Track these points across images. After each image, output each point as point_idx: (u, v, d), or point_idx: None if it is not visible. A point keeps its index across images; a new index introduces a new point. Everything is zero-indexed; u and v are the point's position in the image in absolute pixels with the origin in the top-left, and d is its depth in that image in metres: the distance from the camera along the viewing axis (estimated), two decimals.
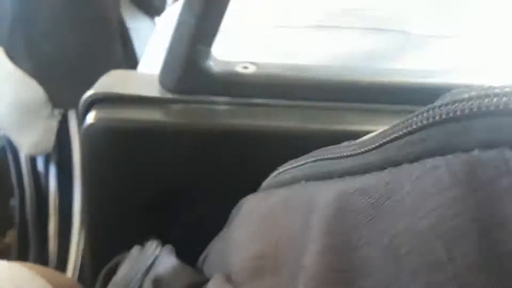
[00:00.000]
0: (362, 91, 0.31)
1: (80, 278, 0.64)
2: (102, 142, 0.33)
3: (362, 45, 0.35)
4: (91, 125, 0.32)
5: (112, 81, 0.36)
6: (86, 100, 0.34)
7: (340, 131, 0.29)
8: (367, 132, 0.19)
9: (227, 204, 0.26)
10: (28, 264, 0.32)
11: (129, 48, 0.66)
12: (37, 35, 0.60)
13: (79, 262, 0.66)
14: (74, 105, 0.60)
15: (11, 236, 0.78)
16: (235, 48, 0.39)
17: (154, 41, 0.48)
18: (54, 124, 0.62)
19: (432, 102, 0.28)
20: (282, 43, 0.38)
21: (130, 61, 0.66)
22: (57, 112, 0.62)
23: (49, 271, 0.33)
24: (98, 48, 0.63)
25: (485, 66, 0.37)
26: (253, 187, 0.25)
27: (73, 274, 0.64)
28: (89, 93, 0.34)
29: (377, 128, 0.20)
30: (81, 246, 0.66)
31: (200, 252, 0.28)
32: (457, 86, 0.30)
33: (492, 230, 0.09)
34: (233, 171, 0.32)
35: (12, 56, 0.61)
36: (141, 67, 0.61)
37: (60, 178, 0.65)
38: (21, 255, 0.70)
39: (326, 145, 0.19)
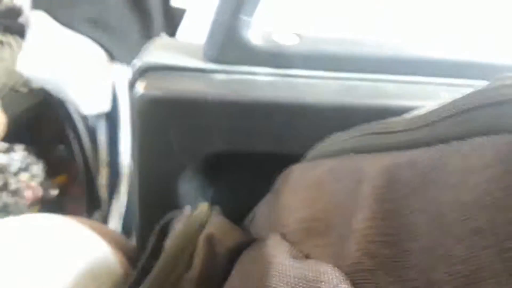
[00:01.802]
0: (404, 64, 0.32)
1: (124, 226, 0.70)
2: (150, 110, 0.35)
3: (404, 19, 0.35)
4: (140, 94, 0.34)
5: (158, 51, 0.38)
6: (134, 70, 0.35)
7: (381, 105, 0.30)
8: (407, 107, 0.20)
9: (269, 172, 0.28)
10: (77, 217, 0.35)
11: None
12: None
13: (123, 210, 0.71)
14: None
15: (59, 181, 0.85)
16: (277, 18, 0.39)
17: (193, 10, 0.49)
18: (110, 81, 0.66)
19: (473, 77, 0.29)
20: (324, 14, 0.38)
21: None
22: (113, 69, 0.65)
23: (98, 224, 0.36)
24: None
25: None
26: (294, 157, 0.27)
27: (119, 220, 0.70)
28: (137, 63, 0.36)
29: (418, 103, 0.21)
30: (126, 197, 0.71)
31: (242, 215, 0.31)
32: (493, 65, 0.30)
33: None
34: (275, 141, 0.34)
35: (63, 21, 0.64)
36: (180, 35, 0.63)
37: (108, 132, 0.70)
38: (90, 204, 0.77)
39: (366, 119, 0.20)
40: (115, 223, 0.70)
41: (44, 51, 0.67)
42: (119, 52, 0.65)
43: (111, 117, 0.68)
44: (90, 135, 0.72)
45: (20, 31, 0.72)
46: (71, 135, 0.75)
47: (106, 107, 0.67)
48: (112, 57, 0.66)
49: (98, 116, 0.69)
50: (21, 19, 0.74)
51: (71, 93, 0.67)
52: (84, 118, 0.71)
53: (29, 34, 0.68)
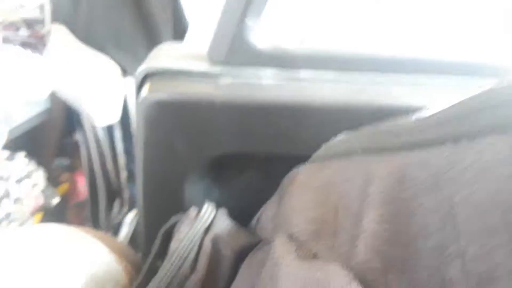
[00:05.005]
0: (410, 63, 0.31)
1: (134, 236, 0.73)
2: (155, 113, 0.35)
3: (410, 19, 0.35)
4: (145, 98, 0.34)
5: (164, 55, 0.38)
6: (140, 74, 0.35)
7: (388, 105, 0.30)
8: (415, 108, 0.20)
9: (275, 173, 0.28)
10: (84, 227, 0.35)
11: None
12: (99, 11, 0.68)
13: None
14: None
15: (62, 190, 0.87)
16: (282, 20, 0.39)
17: (200, 14, 0.49)
18: (123, 94, 0.71)
19: (478, 76, 0.28)
20: (330, 15, 0.38)
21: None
22: (125, 83, 0.71)
23: (102, 234, 0.36)
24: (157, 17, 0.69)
25: None
26: (300, 159, 0.27)
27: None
28: (143, 67, 0.36)
29: (426, 103, 0.21)
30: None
31: (249, 216, 0.30)
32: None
33: None
34: (281, 142, 0.34)
35: (80, 36, 0.70)
36: (188, 40, 0.63)
37: (124, 139, 0.77)
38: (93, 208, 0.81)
39: (373, 120, 0.20)
40: (126, 231, 0.74)
41: (62, 63, 0.72)
42: (131, 66, 0.69)
43: (124, 127, 0.74)
44: (109, 144, 0.77)
45: (40, 42, 0.76)
46: (82, 145, 0.79)
47: (115, 119, 0.72)
48: (125, 71, 0.70)
49: (114, 126, 0.74)
50: (42, 31, 0.78)
51: (85, 105, 0.72)
52: (94, 129, 0.76)
53: (49, 46, 0.72)
